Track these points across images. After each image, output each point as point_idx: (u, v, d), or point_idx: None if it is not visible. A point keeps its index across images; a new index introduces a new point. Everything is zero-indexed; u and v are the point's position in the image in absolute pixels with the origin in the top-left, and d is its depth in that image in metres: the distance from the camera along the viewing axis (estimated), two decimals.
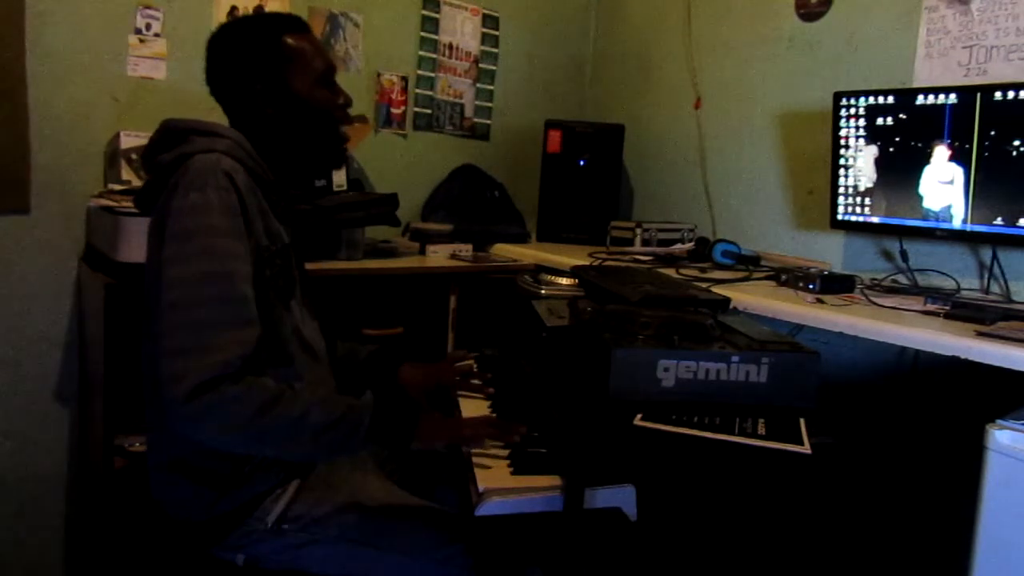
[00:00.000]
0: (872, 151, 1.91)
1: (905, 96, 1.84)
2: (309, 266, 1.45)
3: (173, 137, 1.19)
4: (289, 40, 1.23)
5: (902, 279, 1.95)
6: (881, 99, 1.87)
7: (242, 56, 1.23)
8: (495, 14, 2.74)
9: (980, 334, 1.33)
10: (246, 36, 1.24)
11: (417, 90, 2.56)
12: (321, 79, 1.25)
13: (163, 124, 1.22)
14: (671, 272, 1.87)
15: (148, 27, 1.99)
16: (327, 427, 1.06)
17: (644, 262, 2.12)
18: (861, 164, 1.93)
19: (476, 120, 2.74)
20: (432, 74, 2.60)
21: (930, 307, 1.59)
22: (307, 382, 1.22)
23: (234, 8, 2.13)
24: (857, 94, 1.92)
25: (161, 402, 1.00)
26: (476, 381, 1.50)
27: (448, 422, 1.21)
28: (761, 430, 1.03)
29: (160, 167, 1.16)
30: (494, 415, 1.35)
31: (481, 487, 1.04)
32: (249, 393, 1.02)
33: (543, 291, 1.71)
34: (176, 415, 0.99)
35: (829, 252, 2.18)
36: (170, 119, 1.22)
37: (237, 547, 1.19)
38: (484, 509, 1.01)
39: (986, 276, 1.82)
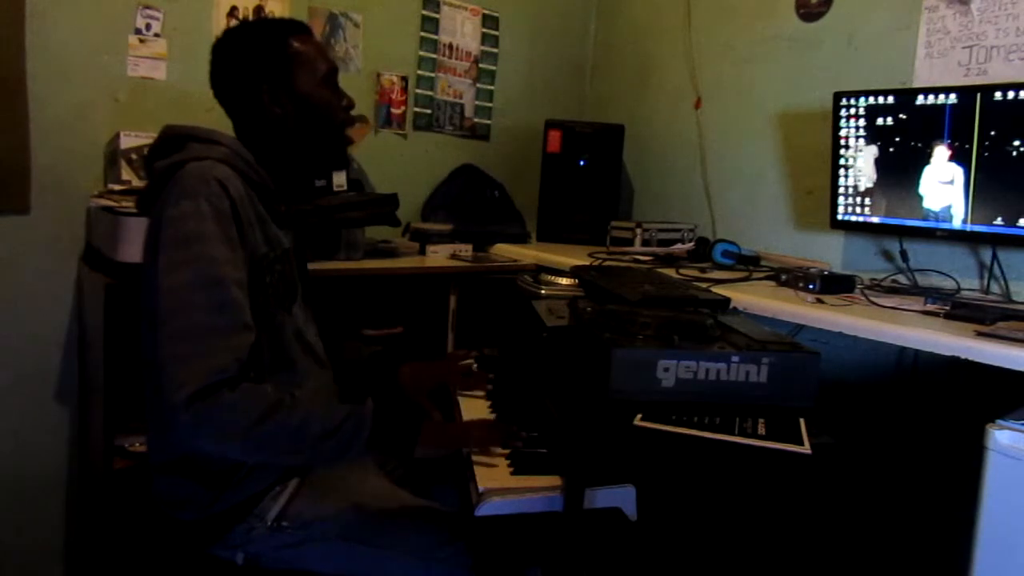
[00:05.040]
0: (872, 151, 1.91)
1: (905, 96, 1.84)
2: (309, 266, 1.45)
3: (172, 143, 1.20)
4: (294, 43, 1.25)
5: (902, 279, 1.95)
6: (881, 99, 1.87)
7: (248, 59, 1.25)
8: (495, 14, 2.74)
9: (980, 334, 1.33)
10: (252, 39, 1.26)
11: (417, 90, 2.56)
12: (325, 80, 1.27)
13: (163, 130, 1.23)
14: (671, 272, 1.87)
15: (148, 27, 1.99)
16: (326, 435, 1.06)
17: (644, 262, 2.12)
18: (861, 164, 1.93)
19: (476, 120, 2.74)
20: (432, 74, 2.60)
21: (930, 307, 1.59)
22: (308, 388, 1.22)
23: (234, 8, 2.13)
24: (857, 94, 1.92)
25: (162, 407, 1.01)
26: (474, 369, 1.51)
27: (451, 430, 1.20)
28: (761, 430, 1.03)
29: (157, 173, 1.17)
30: (494, 415, 1.35)
31: (481, 487, 1.04)
32: (247, 401, 1.02)
33: (543, 291, 1.71)
34: (175, 422, 1.00)
35: (829, 252, 2.18)
36: (170, 125, 1.23)
37: (237, 545, 1.19)
38: (484, 509, 1.01)
39: (986, 276, 1.82)
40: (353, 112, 1.34)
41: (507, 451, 1.15)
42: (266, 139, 1.25)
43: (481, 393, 1.46)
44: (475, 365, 1.58)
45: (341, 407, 1.11)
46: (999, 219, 1.68)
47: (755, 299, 1.60)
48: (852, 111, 1.93)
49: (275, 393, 1.05)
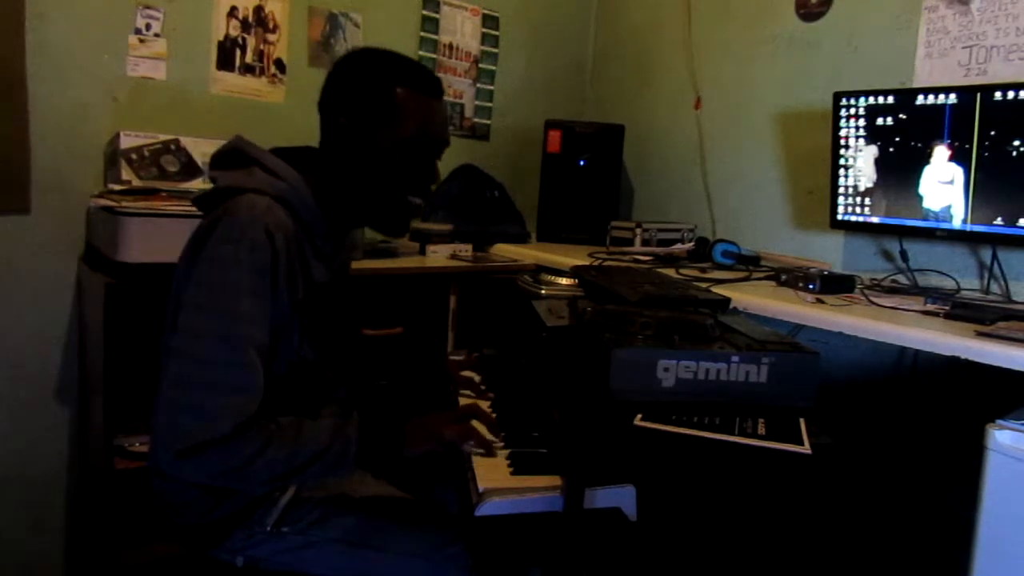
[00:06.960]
0: (872, 151, 1.91)
1: (905, 96, 1.84)
2: None
3: (239, 159, 1.17)
4: (399, 90, 1.17)
5: (902, 279, 1.95)
6: (881, 99, 1.87)
7: (348, 83, 1.20)
8: (495, 14, 2.74)
9: (980, 334, 1.32)
10: (365, 68, 1.20)
11: None
12: (405, 142, 1.18)
13: (235, 140, 1.19)
14: (671, 272, 1.87)
15: (148, 27, 1.99)
16: (314, 459, 1.05)
17: (644, 262, 2.12)
18: (861, 164, 1.93)
19: (476, 120, 2.74)
20: None
21: (930, 307, 1.59)
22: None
23: (234, 8, 2.13)
24: (857, 94, 1.92)
25: (153, 442, 1.01)
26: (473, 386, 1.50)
27: (431, 426, 1.18)
28: (761, 430, 1.03)
29: (218, 188, 1.15)
30: (494, 416, 1.35)
31: (481, 487, 1.04)
32: (234, 452, 1.00)
33: (543, 291, 1.71)
34: (163, 466, 1.00)
35: (829, 252, 2.18)
36: (242, 139, 1.19)
37: (237, 549, 1.19)
38: (484, 509, 1.01)
39: (986, 276, 1.82)
40: None
41: (506, 449, 1.15)
42: (328, 169, 1.21)
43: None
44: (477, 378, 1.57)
45: (327, 427, 1.09)
46: (999, 219, 1.68)
47: (755, 299, 1.60)
48: (852, 111, 1.93)
49: (263, 431, 1.03)
